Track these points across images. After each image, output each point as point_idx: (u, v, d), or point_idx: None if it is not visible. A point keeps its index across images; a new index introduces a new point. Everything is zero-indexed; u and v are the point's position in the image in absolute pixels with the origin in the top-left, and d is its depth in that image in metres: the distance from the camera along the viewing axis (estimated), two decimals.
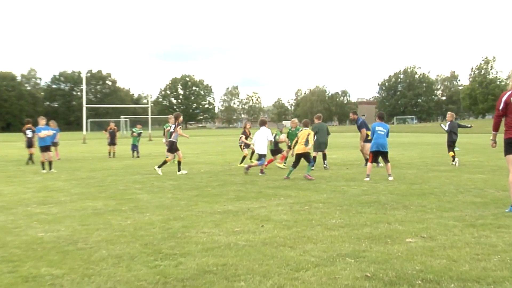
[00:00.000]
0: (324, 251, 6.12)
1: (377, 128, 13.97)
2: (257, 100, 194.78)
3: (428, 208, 9.01)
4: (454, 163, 17.61)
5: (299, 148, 14.11)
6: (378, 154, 13.99)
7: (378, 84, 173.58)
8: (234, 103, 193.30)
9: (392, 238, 6.74)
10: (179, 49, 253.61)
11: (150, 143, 47.45)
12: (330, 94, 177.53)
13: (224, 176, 15.15)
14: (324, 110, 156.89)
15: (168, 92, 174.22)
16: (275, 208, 9.24)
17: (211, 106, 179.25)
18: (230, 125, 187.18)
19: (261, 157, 15.58)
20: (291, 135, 17.65)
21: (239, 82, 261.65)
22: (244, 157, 19.50)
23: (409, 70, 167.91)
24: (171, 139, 16.41)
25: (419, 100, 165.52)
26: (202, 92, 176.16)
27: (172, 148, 16.27)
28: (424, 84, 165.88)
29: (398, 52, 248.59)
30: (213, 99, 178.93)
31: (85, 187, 13.14)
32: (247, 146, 19.57)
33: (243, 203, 9.90)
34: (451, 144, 18.65)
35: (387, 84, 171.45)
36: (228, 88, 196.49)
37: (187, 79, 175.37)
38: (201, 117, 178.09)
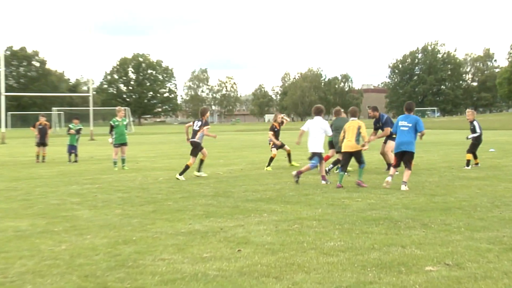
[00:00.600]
0: (320, 283, 6.13)
1: (400, 123, 14.12)
2: (232, 87, 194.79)
3: (454, 227, 9.04)
4: (469, 167, 18.71)
5: (348, 145, 14.56)
6: (403, 156, 14.19)
7: (389, 67, 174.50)
8: (202, 91, 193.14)
9: (407, 265, 6.79)
10: (130, 20, 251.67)
11: (92, 143, 47.29)
12: (326, 80, 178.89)
13: (190, 186, 15.21)
14: (320, 100, 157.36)
15: (116, 76, 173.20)
16: (255, 227, 9.29)
17: (173, 95, 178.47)
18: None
19: (314, 156, 15.52)
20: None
21: (208, 64, 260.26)
22: (271, 159, 19.98)
23: (429, 48, 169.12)
24: (195, 140, 17.22)
25: (443, 87, 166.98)
26: (160, 77, 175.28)
27: (197, 150, 17.19)
28: (449, 66, 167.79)
29: (414, 25, 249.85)
30: (175, 86, 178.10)
31: (5, 202, 13.01)
32: (279, 146, 20.13)
33: (214, 221, 9.95)
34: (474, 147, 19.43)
35: (400, 66, 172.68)
36: (194, 72, 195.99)
37: (141, 59, 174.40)
38: (160, 109, 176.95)
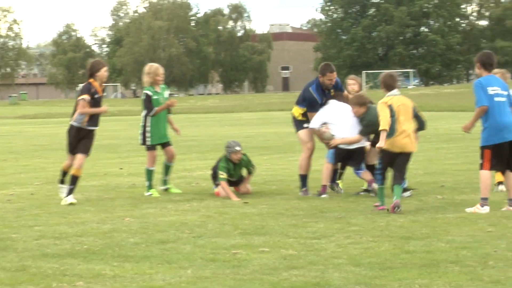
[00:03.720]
0: None
1: (492, 90, 13.42)
2: (10, 28, 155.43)
3: None
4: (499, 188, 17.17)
5: (407, 142, 14.11)
6: (504, 151, 13.58)
7: None
8: None
9: None
10: None
11: None
12: (201, 15, 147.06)
13: None
14: (188, 53, 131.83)
15: None
16: None
17: None
18: None
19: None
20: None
21: None
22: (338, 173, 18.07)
23: None
24: (74, 123, 15.54)
25: (424, 29, 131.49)
26: None
27: (80, 142, 15.53)
28: None
29: None
30: None
31: None
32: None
33: None
34: None
35: None
36: None
37: None
38: None
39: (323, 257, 9.88)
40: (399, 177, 14.12)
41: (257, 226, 12.40)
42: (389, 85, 14.37)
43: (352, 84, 17.68)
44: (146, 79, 16.84)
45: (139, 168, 21.42)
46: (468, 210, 13.46)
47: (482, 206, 13.45)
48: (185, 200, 15.44)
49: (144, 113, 16.34)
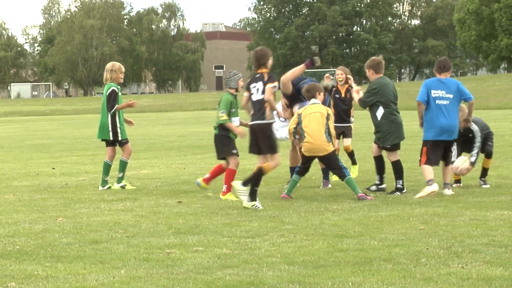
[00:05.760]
0: None
1: (434, 92, 14.04)
2: None
3: None
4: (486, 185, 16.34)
5: (312, 147, 14.68)
6: (440, 148, 14.28)
7: None
8: None
9: None
10: None
11: None
12: (134, 14, 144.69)
13: None
14: (121, 53, 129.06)
15: None
16: None
17: None
18: None
19: None
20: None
21: None
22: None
23: None
24: (264, 121, 14.22)
25: (357, 29, 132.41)
26: None
27: (267, 143, 14.22)
28: None
29: None
30: None
31: None
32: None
33: None
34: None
35: None
36: None
37: None
38: None
39: (257, 256, 9.85)
40: (338, 174, 14.74)
41: (191, 225, 12.33)
42: (307, 93, 14.98)
43: (339, 74, 18.22)
44: (109, 75, 16.71)
45: (72, 167, 21.32)
46: (418, 195, 14.09)
47: (431, 185, 14.04)
48: (119, 199, 15.21)
49: (107, 108, 16.32)
